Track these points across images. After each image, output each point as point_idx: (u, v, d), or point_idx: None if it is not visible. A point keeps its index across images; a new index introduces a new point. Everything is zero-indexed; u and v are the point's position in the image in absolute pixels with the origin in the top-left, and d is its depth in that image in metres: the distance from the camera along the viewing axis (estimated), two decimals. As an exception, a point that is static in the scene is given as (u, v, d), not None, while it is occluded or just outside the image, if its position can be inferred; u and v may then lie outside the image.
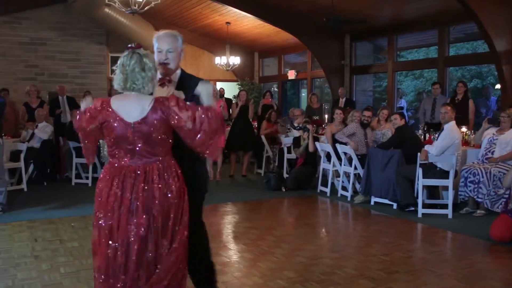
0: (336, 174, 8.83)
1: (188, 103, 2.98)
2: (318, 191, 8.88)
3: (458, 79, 14.35)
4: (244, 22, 13.90)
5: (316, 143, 9.10)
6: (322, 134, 10.04)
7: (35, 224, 6.67)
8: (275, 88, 17.47)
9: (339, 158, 8.58)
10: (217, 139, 3.02)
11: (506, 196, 6.36)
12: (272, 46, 15.83)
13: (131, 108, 2.96)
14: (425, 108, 10.42)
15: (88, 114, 3.02)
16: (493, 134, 7.45)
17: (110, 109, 2.98)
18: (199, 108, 2.94)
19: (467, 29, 11.28)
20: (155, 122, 2.94)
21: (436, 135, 7.42)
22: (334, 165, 8.64)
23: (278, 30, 13.41)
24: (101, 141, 9.72)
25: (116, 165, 3.04)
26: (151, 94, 3.03)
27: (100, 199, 3.03)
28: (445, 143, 7.05)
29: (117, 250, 2.97)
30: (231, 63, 15.05)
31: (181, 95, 3.25)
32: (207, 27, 15.15)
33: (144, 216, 2.94)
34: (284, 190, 9.01)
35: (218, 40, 15.74)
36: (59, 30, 14.41)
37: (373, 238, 6.12)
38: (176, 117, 2.92)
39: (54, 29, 14.35)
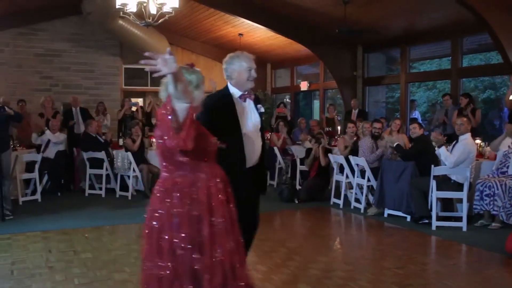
0: (349, 186, 8.80)
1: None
2: (331, 203, 8.85)
3: (471, 90, 14.27)
4: (257, 33, 13.95)
5: (329, 154, 9.08)
6: (335, 146, 10.03)
7: (50, 234, 6.71)
8: (287, 99, 17.48)
9: (352, 170, 8.55)
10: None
11: (522, 209, 6.32)
12: (285, 57, 15.87)
13: None
14: (438, 119, 10.40)
15: None
16: (509, 146, 7.39)
17: None
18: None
19: (480, 40, 11.23)
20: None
21: (450, 146, 7.37)
22: (347, 177, 8.62)
23: (291, 41, 13.43)
24: (114, 152, 9.82)
25: None
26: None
27: None
28: (462, 157, 7.02)
29: None
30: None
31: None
32: (220, 39, 15.23)
33: None
34: (297, 202, 8.98)
35: (230, 51, 15.60)
36: (74, 42, 14.57)
37: (387, 250, 6.08)
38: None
39: (69, 41, 14.51)
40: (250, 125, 3.84)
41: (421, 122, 12.74)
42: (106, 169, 9.57)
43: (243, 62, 3.79)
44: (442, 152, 7.17)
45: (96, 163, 9.61)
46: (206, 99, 3.83)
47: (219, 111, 3.76)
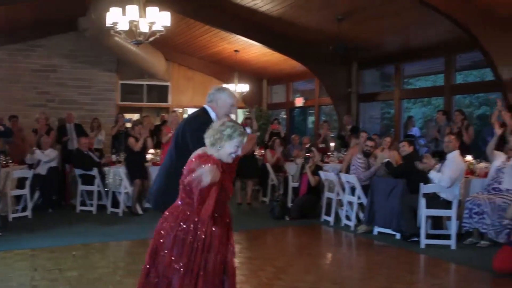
0: (340, 203, 8.78)
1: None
2: (322, 220, 8.82)
3: (466, 106, 14.23)
4: (252, 50, 14.02)
5: (320, 172, 9.07)
6: (327, 163, 10.03)
7: (37, 252, 6.68)
8: (283, 115, 17.51)
9: (343, 187, 8.54)
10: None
11: (510, 227, 6.29)
12: (281, 73, 15.93)
13: None
14: (431, 135, 10.41)
15: None
16: (502, 162, 7.36)
17: None
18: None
19: (474, 57, 11.23)
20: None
21: (439, 165, 7.36)
22: (338, 194, 8.60)
23: (286, 57, 13.49)
24: (106, 169, 9.80)
25: None
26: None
27: None
28: (456, 174, 7.03)
29: None
30: (239, 90, 15.12)
31: None
32: (216, 55, 15.31)
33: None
34: (288, 219, 8.97)
35: (226, 67, 15.87)
36: (71, 58, 14.66)
37: (375, 269, 6.06)
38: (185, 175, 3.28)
39: (65, 57, 14.60)
40: None
41: (419, 137, 12.74)
42: (98, 186, 9.57)
43: (230, 98, 4.01)
44: (433, 176, 7.17)
45: (88, 180, 9.62)
46: (198, 120, 3.94)
47: None
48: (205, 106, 4.04)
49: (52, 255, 6.56)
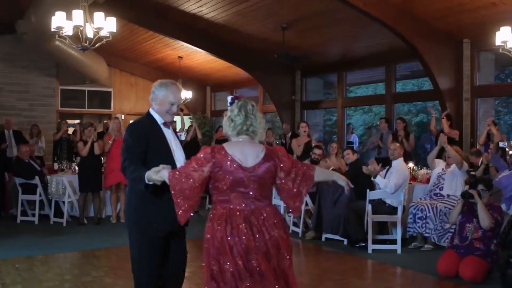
0: (287, 210, 8.85)
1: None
2: (270, 227, 8.85)
3: (405, 114, 14.68)
4: (196, 56, 13.98)
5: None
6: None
7: (-23, 266, 6.41)
8: (227, 122, 17.48)
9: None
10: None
11: (452, 230, 6.55)
12: (224, 80, 15.95)
13: (247, 153, 3.18)
14: (373, 142, 10.72)
15: (195, 164, 3.15)
16: (442, 169, 7.66)
17: (225, 154, 3.14)
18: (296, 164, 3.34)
19: (413, 66, 11.67)
20: (267, 168, 3.19)
21: (384, 171, 7.58)
22: (285, 201, 8.66)
23: (230, 65, 13.53)
24: (48, 177, 9.44)
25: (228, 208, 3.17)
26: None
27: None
28: (400, 181, 7.24)
29: None
30: (183, 97, 15.00)
31: None
32: (160, 61, 15.16)
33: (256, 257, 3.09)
34: (236, 226, 8.94)
35: (170, 74, 15.67)
36: (8, 62, 14.10)
37: (324, 275, 6.16)
38: (283, 166, 3.25)
39: (2, 60, 14.02)
40: (179, 154, 3.82)
41: (358, 145, 13.09)
42: (40, 195, 9.25)
43: (170, 94, 3.69)
44: (379, 181, 7.37)
45: (29, 189, 9.28)
46: (133, 126, 3.76)
47: (151, 139, 3.66)
48: (150, 108, 3.78)
49: (-6, 268, 6.31)
